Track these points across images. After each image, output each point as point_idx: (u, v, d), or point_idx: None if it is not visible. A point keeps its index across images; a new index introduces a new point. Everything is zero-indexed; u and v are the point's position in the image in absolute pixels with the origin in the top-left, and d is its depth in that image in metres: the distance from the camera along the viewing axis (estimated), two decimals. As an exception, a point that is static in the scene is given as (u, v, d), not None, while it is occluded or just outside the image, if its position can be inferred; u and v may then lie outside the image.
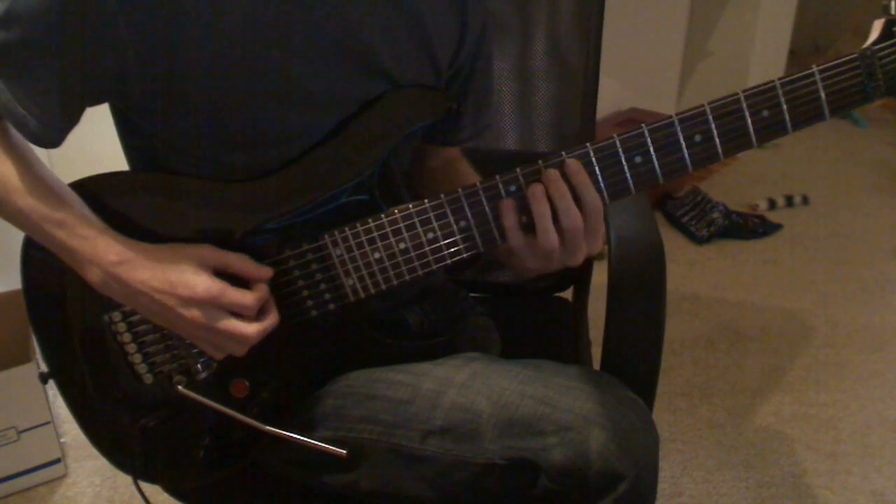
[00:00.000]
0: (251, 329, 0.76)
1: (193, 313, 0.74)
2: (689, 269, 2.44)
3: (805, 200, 2.84)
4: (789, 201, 2.83)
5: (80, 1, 0.68)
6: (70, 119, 0.76)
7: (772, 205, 2.81)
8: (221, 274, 0.76)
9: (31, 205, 0.75)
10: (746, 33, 3.06)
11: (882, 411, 1.81)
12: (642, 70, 2.89)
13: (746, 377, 1.93)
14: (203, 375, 0.83)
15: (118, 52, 0.71)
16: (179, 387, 0.83)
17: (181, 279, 0.74)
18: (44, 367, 0.87)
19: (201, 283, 0.74)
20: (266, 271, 0.78)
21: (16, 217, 0.77)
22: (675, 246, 2.57)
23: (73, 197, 0.77)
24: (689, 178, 2.93)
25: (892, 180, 3.03)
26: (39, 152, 0.78)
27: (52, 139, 0.76)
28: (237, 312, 0.76)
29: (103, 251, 0.75)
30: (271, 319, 0.78)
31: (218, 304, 0.75)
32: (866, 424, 1.77)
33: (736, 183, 3.01)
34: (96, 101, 0.77)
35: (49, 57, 0.71)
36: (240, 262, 0.77)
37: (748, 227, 2.63)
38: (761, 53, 3.08)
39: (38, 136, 0.75)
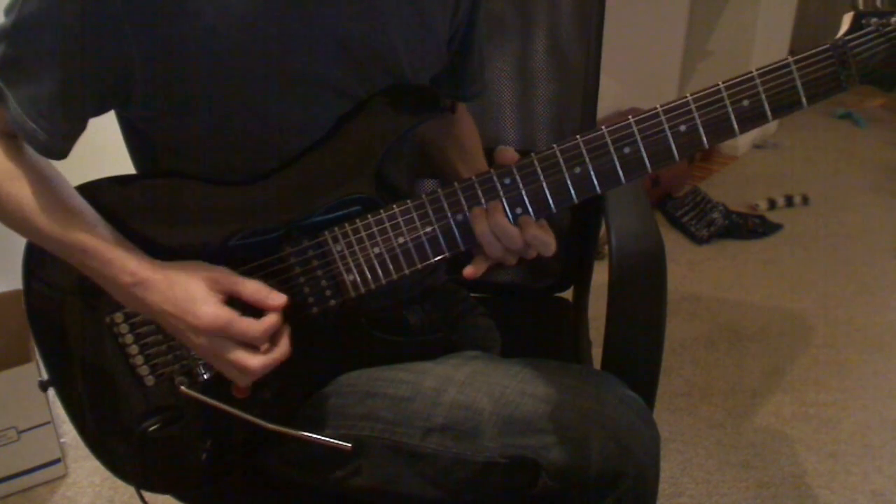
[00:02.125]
0: (255, 362, 0.75)
1: (199, 341, 0.75)
2: (689, 269, 2.44)
3: (805, 200, 2.84)
4: (789, 201, 2.83)
5: (88, 8, 0.68)
6: (76, 128, 0.76)
7: (772, 205, 2.81)
8: (234, 298, 0.76)
9: (49, 226, 0.76)
10: (746, 33, 3.06)
11: (882, 411, 1.81)
12: (642, 70, 2.89)
13: (746, 377, 1.93)
14: (205, 377, 0.83)
15: (123, 53, 0.71)
16: (182, 387, 0.83)
17: (190, 307, 0.74)
18: (44, 375, 0.87)
19: (207, 312, 0.74)
20: (279, 300, 0.76)
21: (38, 238, 0.79)
22: (675, 246, 2.57)
23: (90, 214, 0.78)
24: (690, 178, 2.93)
25: (892, 180, 3.03)
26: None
27: (61, 149, 0.76)
28: (246, 343, 0.75)
29: (118, 273, 0.75)
30: (280, 351, 0.77)
31: (224, 335, 0.74)
32: (866, 424, 1.77)
33: (736, 183, 3.01)
34: (99, 110, 0.77)
35: (57, 67, 0.71)
36: (251, 290, 0.76)
37: (748, 227, 2.63)
38: (761, 53, 3.08)
39: (47, 148, 0.75)
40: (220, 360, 0.76)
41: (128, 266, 0.76)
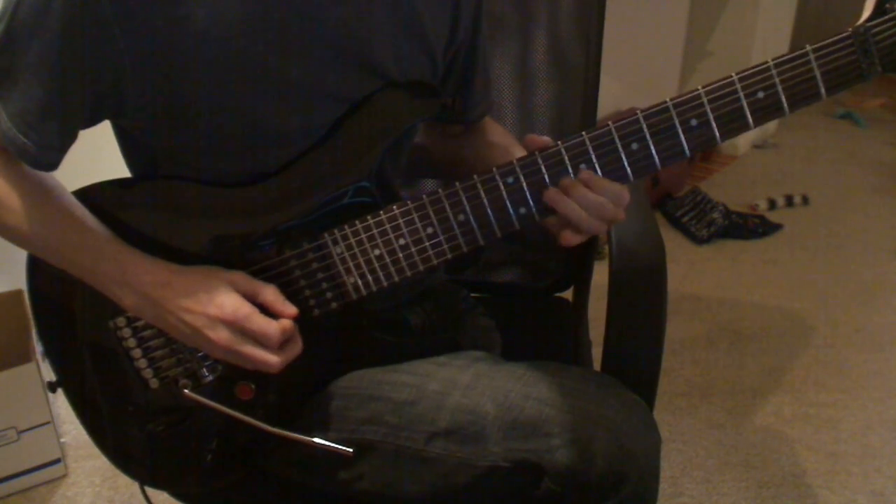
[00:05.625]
0: (274, 359, 0.76)
1: (220, 334, 0.75)
2: (689, 269, 2.44)
3: (805, 200, 2.84)
4: (789, 201, 2.83)
5: (77, 15, 0.68)
6: (68, 140, 0.76)
7: (772, 205, 2.81)
8: (250, 302, 0.77)
9: (53, 233, 0.76)
10: (746, 33, 3.06)
11: (882, 411, 1.81)
12: (642, 70, 2.89)
13: (746, 377, 1.93)
14: (208, 379, 0.83)
15: (115, 62, 0.71)
16: (186, 390, 0.83)
17: (211, 299, 0.74)
18: (51, 376, 0.87)
19: (231, 303, 0.75)
20: (291, 310, 0.78)
21: (39, 248, 0.78)
22: (675, 246, 2.57)
23: (95, 221, 0.78)
24: (690, 178, 2.93)
25: (892, 180, 3.03)
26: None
27: (51, 162, 0.76)
28: (260, 341, 0.76)
29: (136, 273, 0.76)
30: (295, 350, 0.78)
31: (243, 327, 0.75)
32: (866, 424, 1.77)
33: (736, 183, 3.01)
34: (93, 121, 0.77)
35: (47, 77, 0.70)
36: (268, 294, 0.77)
37: (748, 227, 2.63)
38: (761, 53, 3.08)
39: (38, 161, 0.75)
40: (238, 354, 0.76)
41: (146, 266, 0.76)
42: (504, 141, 0.99)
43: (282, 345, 0.77)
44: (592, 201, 0.76)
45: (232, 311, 0.74)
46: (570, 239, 0.79)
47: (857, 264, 2.45)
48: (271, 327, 0.75)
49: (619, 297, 0.92)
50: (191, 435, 0.85)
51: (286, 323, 0.77)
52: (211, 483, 0.89)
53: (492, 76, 1.12)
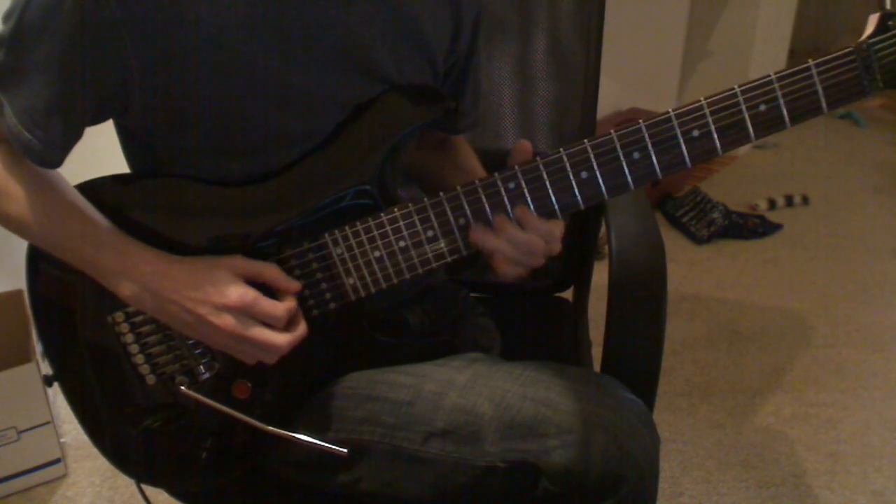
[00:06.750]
0: (282, 339, 0.77)
1: (225, 320, 0.75)
2: (689, 269, 2.44)
3: (805, 200, 2.85)
4: (789, 201, 2.83)
5: (86, 17, 0.68)
6: (73, 138, 0.76)
7: (772, 205, 2.81)
8: (252, 283, 0.77)
9: (55, 223, 0.76)
10: (746, 33, 3.06)
11: (882, 411, 1.81)
12: (642, 70, 2.89)
13: (746, 377, 1.93)
14: (205, 376, 0.83)
15: (121, 63, 0.71)
16: (182, 387, 0.83)
17: (215, 287, 0.75)
18: (47, 370, 0.87)
19: (234, 290, 0.75)
20: (295, 285, 0.79)
21: (41, 238, 0.79)
22: (675, 246, 2.57)
23: (96, 213, 0.78)
24: (690, 178, 2.93)
25: (892, 180, 3.03)
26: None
27: (55, 159, 0.76)
28: (267, 323, 0.76)
29: (137, 263, 0.76)
30: (300, 330, 0.79)
31: (249, 312, 0.75)
32: (866, 424, 1.77)
33: (736, 183, 3.01)
34: (97, 119, 0.77)
35: (54, 76, 0.71)
36: (270, 273, 0.78)
37: (748, 227, 2.63)
38: (761, 53, 3.08)
39: (42, 158, 0.75)
40: (244, 340, 0.76)
41: (146, 256, 0.76)
42: (472, 168, 1.00)
43: (286, 326, 0.77)
44: (521, 239, 0.77)
45: (237, 298, 0.75)
46: (507, 271, 0.80)
47: (857, 264, 2.45)
48: (277, 309, 0.76)
49: (619, 297, 0.92)
50: (187, 432, 0.85)
51: (290, 303, 0.78)
52: (208, 481, 0.89)
53: (484, 88, 1.12)
